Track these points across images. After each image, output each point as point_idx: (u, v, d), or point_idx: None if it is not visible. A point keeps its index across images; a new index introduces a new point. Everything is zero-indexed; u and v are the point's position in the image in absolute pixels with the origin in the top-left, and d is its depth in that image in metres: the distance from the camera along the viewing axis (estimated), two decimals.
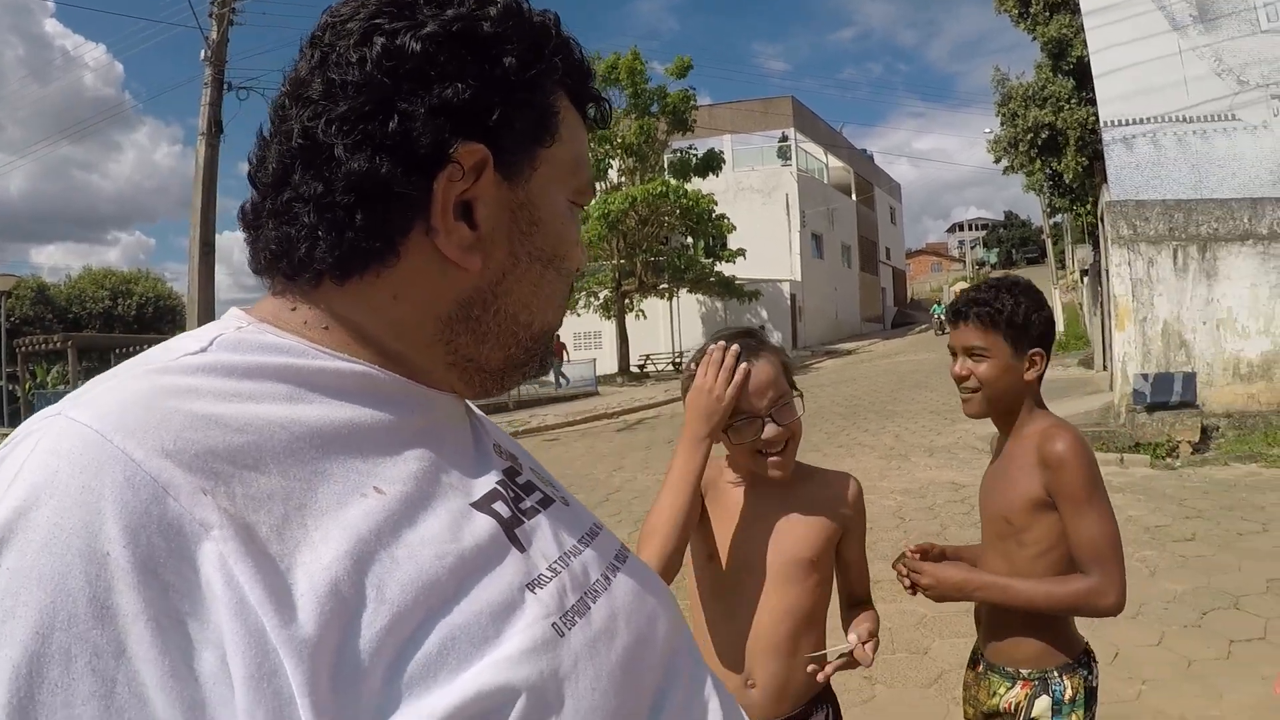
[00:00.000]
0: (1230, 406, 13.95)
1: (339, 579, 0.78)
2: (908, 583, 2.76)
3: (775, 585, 2.43)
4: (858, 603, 2.66)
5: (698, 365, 2.38)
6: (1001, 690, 2.78)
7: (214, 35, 18.95)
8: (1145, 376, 14.10)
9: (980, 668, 2.89)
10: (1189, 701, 5.16)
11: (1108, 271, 16.38)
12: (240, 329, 0.96)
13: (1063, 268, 47.79)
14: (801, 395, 2.46)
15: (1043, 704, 2.73)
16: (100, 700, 0.68)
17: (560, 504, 1.14)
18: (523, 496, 1.08)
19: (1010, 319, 2.71)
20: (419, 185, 0.92)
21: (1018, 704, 2.74)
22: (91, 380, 0.88)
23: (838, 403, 22.66)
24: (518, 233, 1.01)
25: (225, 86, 19.12)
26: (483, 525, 0.95)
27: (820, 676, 2.37)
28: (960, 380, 2.80)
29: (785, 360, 2.48)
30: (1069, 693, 2.73)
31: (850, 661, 2.40)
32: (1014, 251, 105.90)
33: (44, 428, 0.78)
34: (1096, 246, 24.64)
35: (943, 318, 45.77)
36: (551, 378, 31.97)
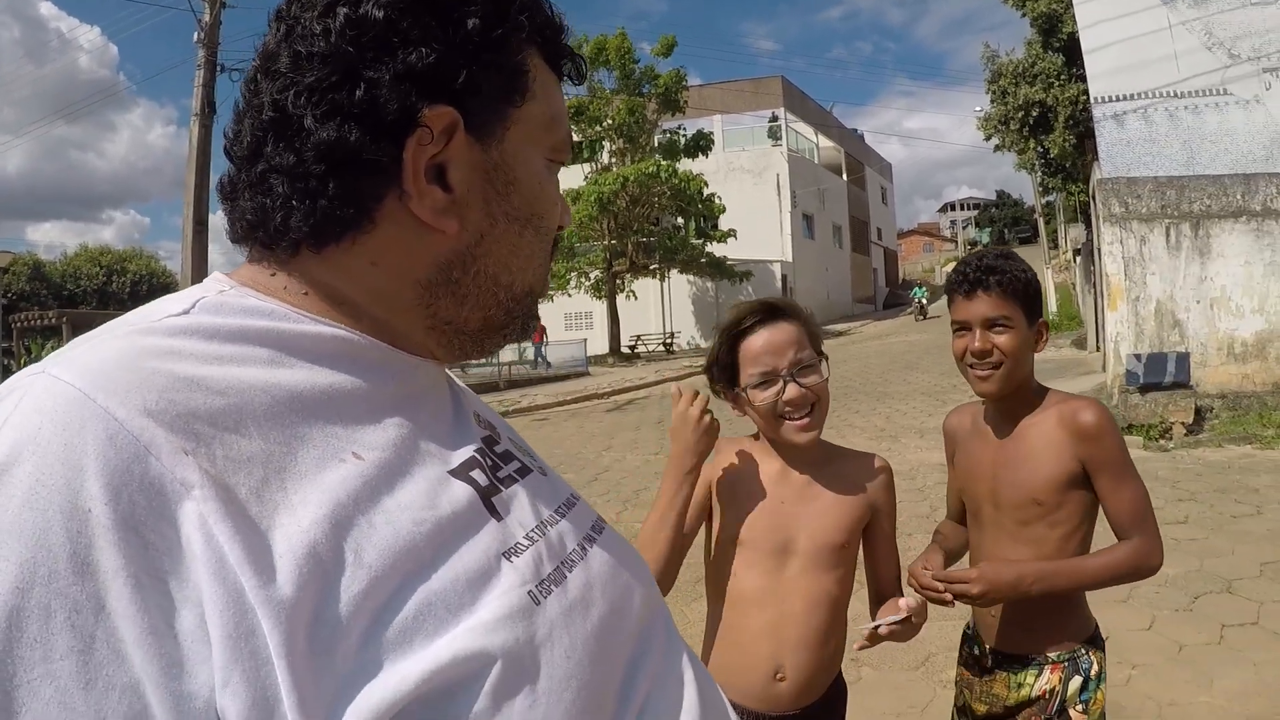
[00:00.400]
0: (1224, 387, 13.88)
1: (317, 542, 0.78)
2: (949, 597, 2.56)
3: (807, 572, 2.42)
4: (888, 592, 2.61)
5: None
6: (1030, 680, 2.68)
7: (206, 17, 19.20)
8: (1138, 357, 13.99)
9: (989, 663, 2.79)
10: (1180, 687, 5.10)
11: (1100, 250, 16.29)
12: (223, 292, 0.96)
13: (1055, 247, 47.92)
14: (826, 359, 2.45)
15: (1075, 684, 2.68)
16: (78, 655, 0.68)
17: (538, 474, 1.15)
18: (500, 465, 1.08)
19: (1027, 287, 2.64)
20: (388, 151, 0.92)
21: (1052, 689, 2.66)
22: (75, 339, 0.88)
23: (830, 384, 22.35)
24: (493, 193, 1.01)
25: (218, 68, 19.45)
26: (460, 493, 0.95)
27: (861, 645, 2.43)
28: (982, 355, 2.62)
29: (812, 326, 2.47)
30: (1095, 668, 2.70)
31: (899, 630, 2.38)
32: (1006, 231, 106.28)
33: (27, 385, 0.78)
34: (1089, 225, 24.60)
35: (924, 301, 45.40)
36: (531, 356, 32.03)
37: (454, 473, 0.98)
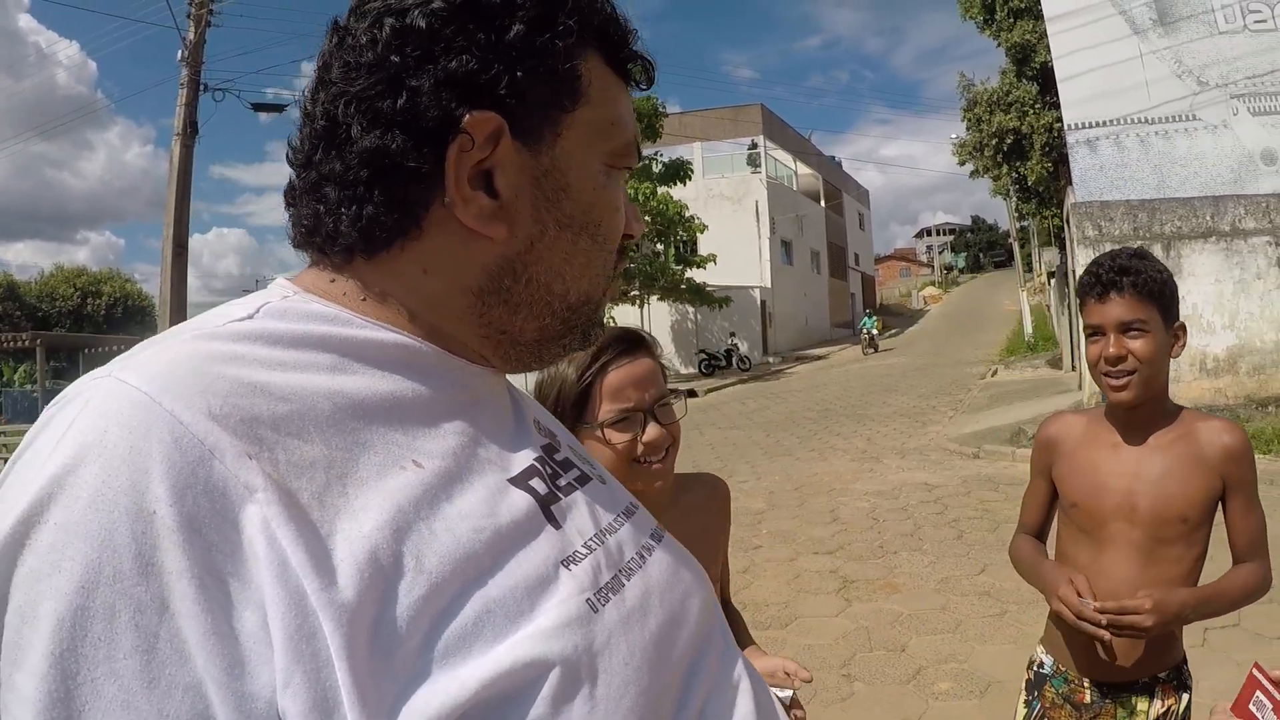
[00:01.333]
0: (1198, 401, 14.02)
1: (378, 547, 0.79)
2: (1106, 635, 2.38)
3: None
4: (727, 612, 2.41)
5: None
6: (1142, 705, 2.60)
7: (191, 36, 18.91)
8: None
9: (1088, 698, 2.66)
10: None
11: (1074, 273, 16.51)
12: (286, 298, 0.97)
13: (1030, 270, 48.16)
14: (685, 397, 2.24)
15: (1186, 700, 2.63)
16: (142, 655, 0.69)
17: (597, 481, 1.15)
18: (560, 473, 1.09)
19: (1164, 287, 2.50)
20: (431, 158, 0.92)
21: (1169, 709, 2.59)
22: (140, 344, 0.89)
23: (810, 407, 22.71)
24: (543, 199, 0.99)
25: (201, 87, 19.07)
26: (519, 501, 0.96)
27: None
28: (1116, 361, 2.47)
29: (661, 363, 2.21)
30: (1192, 680, 2.67)
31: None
32: (981, 255, 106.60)
33: (93, 389, 0.79)
34: (1063, 248, 24.87)
35: (873, 332, 41.97)
36: None
37: (514, 480, 0.98)
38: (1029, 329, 36.73)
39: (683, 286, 38.01)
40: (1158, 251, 14.44)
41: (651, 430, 2.09)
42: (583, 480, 1.12)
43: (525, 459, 1.04)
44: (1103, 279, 2.50)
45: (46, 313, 57.44)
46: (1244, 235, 14.35)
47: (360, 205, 0.94)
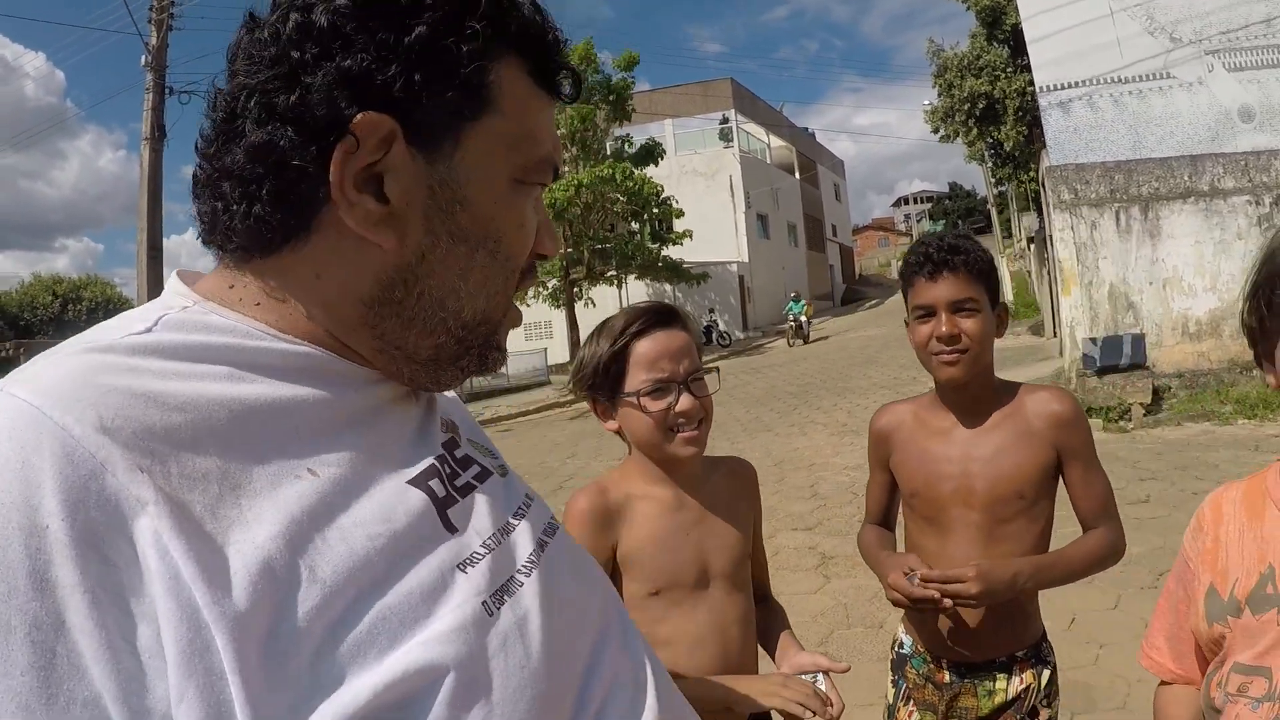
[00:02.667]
0: (1181, 366, 14.01)
1: (271, 558, 0.79)
2: (948, 603, 2.36)
3: (730, 594, 2.31)
4: (759, 594, 2.52)
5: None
6: (1001, 684, 2.60)
7: (154, 41, 19.34)
8: (1094, 340, 14.12)
9: (947, 678, 2.66)
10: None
11: (1052, 237, 16.43)
12: (186, 308, 0.95)
13: (1009, 236, 48.24)
14: (718, 371, 2.32)
15: (1046, 675, 2.63)
16: (39, 672, 0.69)
17: (496, 476, 1.14)
18: (459, 473, 1.07)
19: (990, 268, 2.53)
20: (319, 157, 0.90)
21: (1028, 686, 2.60)
22: (36, 356, 0.88)
23: (790, 381, 22.75)
24: (437, 210, 0.97)
25: (167, 91, 19.51)
26: (417, 504, 0.95)
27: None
28: (951, 340, 2.46)
29: (699, 338, 2.31)
30: (1053, 656, 2.67)
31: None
32: (960, 222, 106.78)
33: None
34: (1040, 213, 24.81)
35: (802, 319, 37.60)
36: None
37: (413, 482, 0.98)
38: (1009, 295, 36.75)
39: (659, 265, 38.20)
40: (1135, 214, 14.36)
41: (685, 400, 2.17)
42: (483, 477, 1.10)
43: (425, 461, 1.02)
44: (934, 258, 2.49)
45: (28, 321, 58.21)
46: (1223, 195, 14.15)
47: (251, 202, 0.92)
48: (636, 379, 2.17)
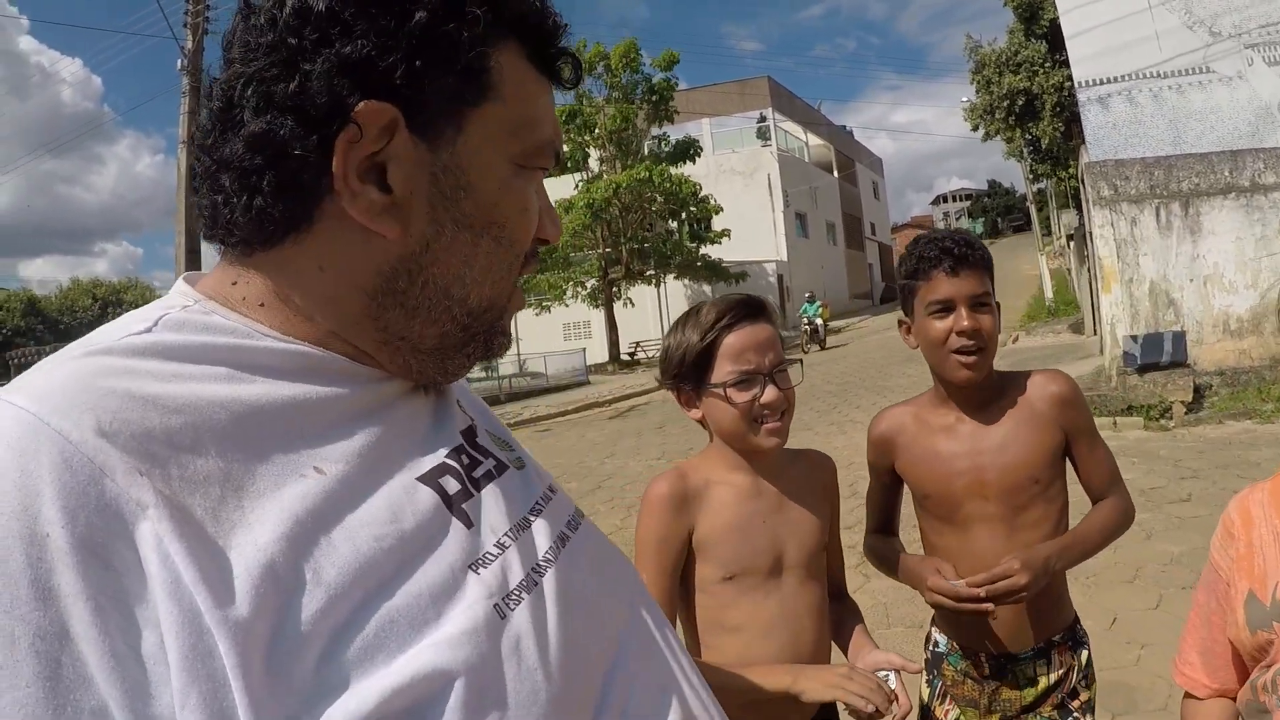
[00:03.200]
0: (1222, 364, 13.88)
1: (274, 561, 0.78)
2: (990, 606, 2.33)
3: (804, 584, 2.34)
4: (836, 590, 2.55)
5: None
6: (1041, 671, 2.61)
7: (189, 44, 19.41)
8: (1134, 338, 13.98)
9: (986, 671, 2.64)
10: None
11: (1092, 234, 16.30)
12: (186, 307, 0.95)
13: (1048, 233, 47.88)
14: (801, 363, 2.34)
15: (1084, 656, 2.65)
16: (45, 682, 0.68)
17: (514, 469, 1.12)
18: (479, 461, 1.07)
19: (992, 266, 2.54)
20: (320, 147, 0.89)
21: (1068, 669, 2.61)
22: (37, 363, 0.88)
23: (829, 380, 22.59)
24: (441, 197, 0.96)
25: (203, 94, 19.41)
26: (427, 503, 0.94)
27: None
28: (974, 334, 2.44)
29: (780, 331, 2.35)
30: (1087, 635, 2.69)
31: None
32: (999, 220, 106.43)
33: None
34: (1080, 210, 24.63)
35: (817, 322, 35.29)
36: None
37: (423, 479, 0.97)
38: (1049, 293, 36.50)
39: (698, 264, 38.15)
40: (1176, 210, 14.25)
41: (770, 392, 2.20)
42: (500, 468, 1.09)
43: (438, 456, 1.02)
44: (954, 253, 2.46)
45: (68, 325, 58.75)
46: (1264, 190, 13.98)
47: (251, 194, 0.91)
48: (723, 371, 2.20)
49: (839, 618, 2.46)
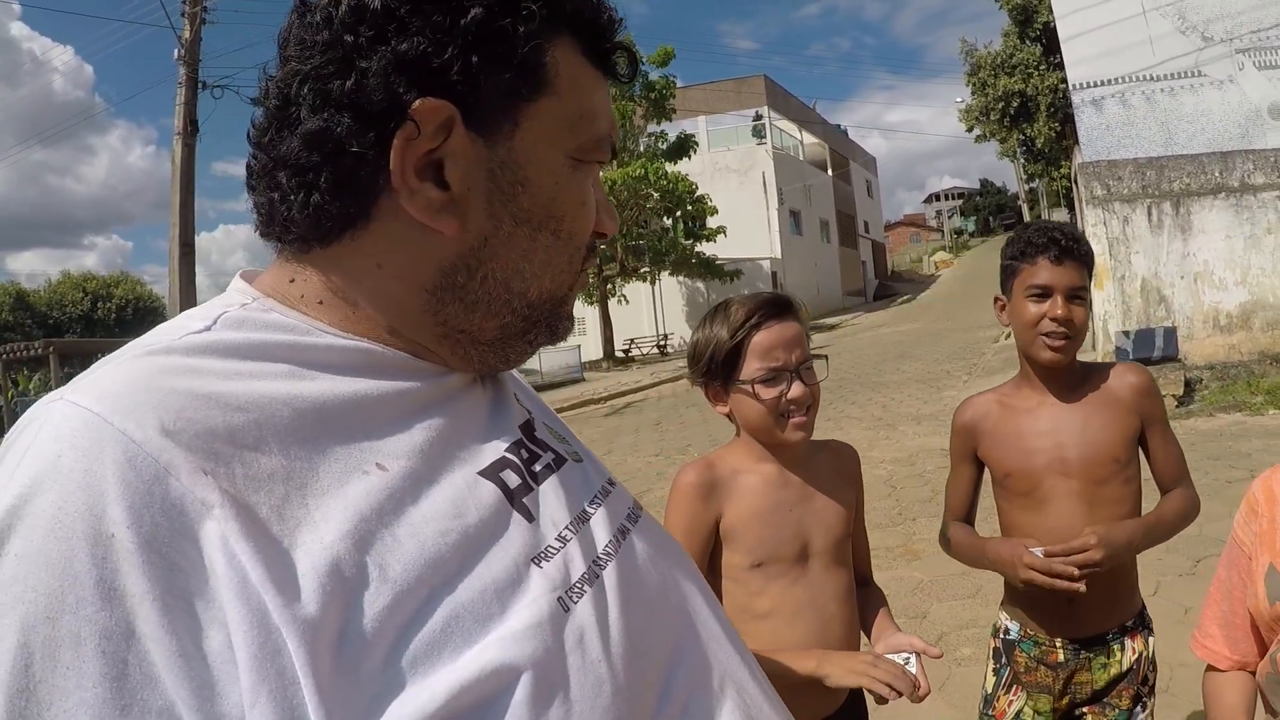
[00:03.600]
0: (1212, 358, 14.03)
1: (340, 558, 0.78)
2: (1075, 572, 2.37)
3: (829, 570, 2.38)
4: (862, 576, 2.61)
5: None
6: (1116, 654, 2.67)
7: (187, 34, 18.81)
8: (1126, 334, 14.15)
9: (1062, 656, 2.69)
10: (1188, 649, 4.88)
11: (1084, 233, 16.44)
12: (245, 305, 0.95)
13: None
14: (826, 358, 2.38)
15: (1153, 642, 2.72)
16: (112, 682, 0.68)
17: (572, 462, 1.13)
18: (538, 454, 1.07)
19: (1091, 259, 2.64)
20: (378, 144, 0.89)
21: (1140, 655, 2.67)
22: (97, 362, 0.87)
23: (824, 376, 22.31)
24: (498, 193, 0.96)
25: (200, 85, 18.97)
26: (489, 497, 0.94)
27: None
28: (1066, 323, 2.54)
29: (808, 326, 2.39)
30: (1151, 620, 2.76)
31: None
32: (991, 219, 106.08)
33: (46, 413, 0.78)
34: (1072, 209, 24.84)
35: None
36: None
37: (484, 473, 0.96)
38: None
39: (693, 261, 37.99)
40: (1167, 209, 14.41)
41: (796, 388, 2.23)
42: (559, 462, 1.10)
43: (498, 449, 1.02)
44: (1060, 243, 2.56)
45: (57, 319, 57.31)
46: (1253, 190, 14.21)
47: (309, 191, 0.91)
48: (752, 368, 2.24)
49: (863, 601, 2.48)
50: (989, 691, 2.86)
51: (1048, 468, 2.64)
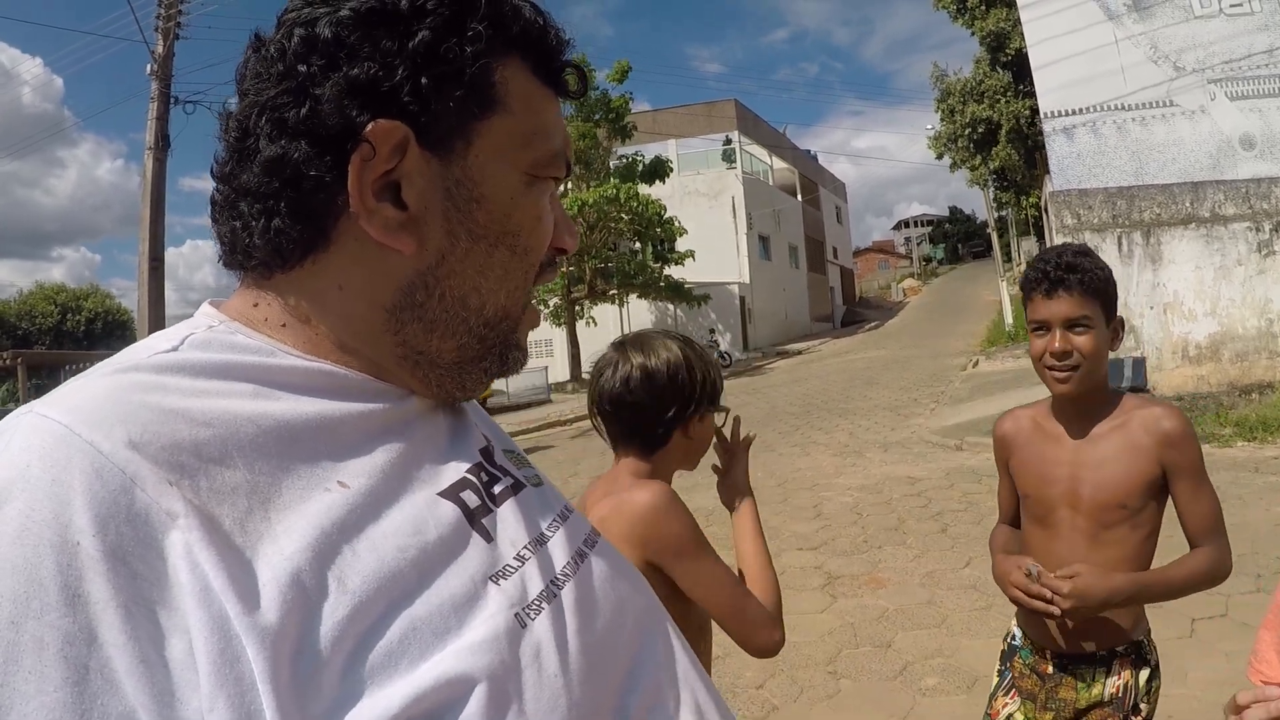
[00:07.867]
0: (1180, 389, 14.13)
1: (300, 570, 0.79)
2: (1056, 610, 2.47)
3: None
4: None
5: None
6: (1100, 679, 2.65)
7: (160, 49, 18.99)
8: None
9: (1049, 669, 2.74)
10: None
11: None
12: (212, 328, 0.97)
13: (1009, 260, 48.31)
14: (727, 411, 2.46)
15: (1145, 675, 2.67)
16: (73, 686, 0.69)
17: (531, 486, 1.14)
18: (497, 478, 1.08)
19: (1106, 285, 2.58)
20: (334, 167, 0.91)
21: (1126, 685, 2.64)
22: (67, 379, 0.89)
23: (791, 402, 22.71)
24: (455, 210, 0.98)
25: (172, 100, 19.12)
26: (449, 516, 0.95)
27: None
28: (1062, 356, 2.55)
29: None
30: (1155, 656, 2.71)
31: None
32: (960, 246, 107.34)
33: (15, 425, 0.79)
34: (1041, 238, 24.99)
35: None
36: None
37: (444, 494, 0.98)
38: (1009, 319, 36.81)
39: (662, 284, 38.16)
40: (1137, 239, 14.51)
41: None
42: (517, 487, 1.11)
43: (458, 471, 1.03)
44: (1050, 276, 2.57)
45: (26, 331, 57.52)
46: (1224, 221, 14.32)
47: (269, 217, 0.93)
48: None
49: None
50: (991, 690, 2.95)
51: (1060, 499, 2.66)
